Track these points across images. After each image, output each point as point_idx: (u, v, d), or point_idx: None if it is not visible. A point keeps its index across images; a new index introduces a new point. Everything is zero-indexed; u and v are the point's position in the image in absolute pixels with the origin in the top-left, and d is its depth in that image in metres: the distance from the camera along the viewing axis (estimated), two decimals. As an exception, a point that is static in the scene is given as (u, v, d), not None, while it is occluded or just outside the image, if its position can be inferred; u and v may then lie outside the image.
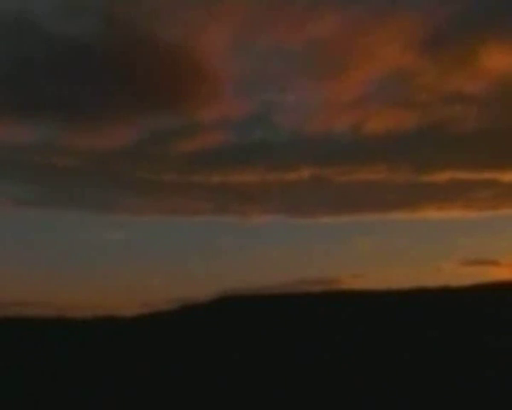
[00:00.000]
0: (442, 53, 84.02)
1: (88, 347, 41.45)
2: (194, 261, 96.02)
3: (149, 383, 31.05)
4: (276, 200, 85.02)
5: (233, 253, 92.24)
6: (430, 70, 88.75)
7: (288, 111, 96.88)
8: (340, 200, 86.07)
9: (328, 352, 36.38)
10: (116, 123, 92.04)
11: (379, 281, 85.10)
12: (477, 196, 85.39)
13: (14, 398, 28.55)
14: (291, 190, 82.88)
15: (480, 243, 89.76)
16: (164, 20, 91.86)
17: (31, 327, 48.56)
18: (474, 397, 25.01)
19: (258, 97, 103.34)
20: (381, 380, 29.09)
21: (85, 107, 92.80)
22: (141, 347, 40.86)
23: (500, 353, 32.89)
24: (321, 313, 47.53)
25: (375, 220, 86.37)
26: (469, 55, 78.05)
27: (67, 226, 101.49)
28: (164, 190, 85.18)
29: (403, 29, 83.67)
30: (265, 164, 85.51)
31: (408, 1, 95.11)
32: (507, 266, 78.99)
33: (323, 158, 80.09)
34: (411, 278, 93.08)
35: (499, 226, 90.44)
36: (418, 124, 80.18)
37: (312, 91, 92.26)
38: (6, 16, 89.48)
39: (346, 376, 30.49)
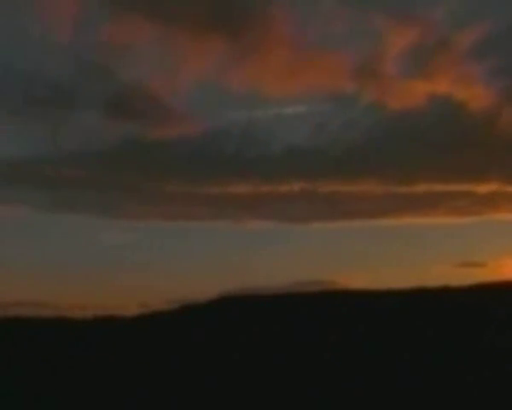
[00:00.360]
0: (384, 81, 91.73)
1: (88, 347, 41.45)
2: (193, 264, 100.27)
3: (149, 383, 31.06)
4: (269, 208, 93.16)
5: (230, 256, 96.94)
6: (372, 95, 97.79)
7: (276, 127, 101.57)
8: (330, 208, 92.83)
9: (328, 352, 36.40)
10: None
11: (373, 282, 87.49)
12: (455, 205, 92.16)
13: (15, 398, 28.57)
14: (283, 201, 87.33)
15: (466, 247, 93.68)
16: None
17: (31, 327, 48.57)
18: (473, 396, 25.04)
19: (249, 115, 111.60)
20: (380, 379, 29.11)
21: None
22: (141, 347, 40.87)
23: (500, 352, 32.92)
24: (321, 312, 47.51)
25: (363, 227, 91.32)
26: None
27: (73, 230, 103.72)
28: (166, 199, 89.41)
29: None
30: (260, 177, 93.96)
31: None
32: (494, 267, 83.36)
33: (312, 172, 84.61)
34: (404, 279, 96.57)
35: (481, 231, 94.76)
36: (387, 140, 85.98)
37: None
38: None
39: (345, 375, 30.50)
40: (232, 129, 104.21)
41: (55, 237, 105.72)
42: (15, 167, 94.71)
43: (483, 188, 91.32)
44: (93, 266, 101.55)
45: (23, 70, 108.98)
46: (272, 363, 34.35)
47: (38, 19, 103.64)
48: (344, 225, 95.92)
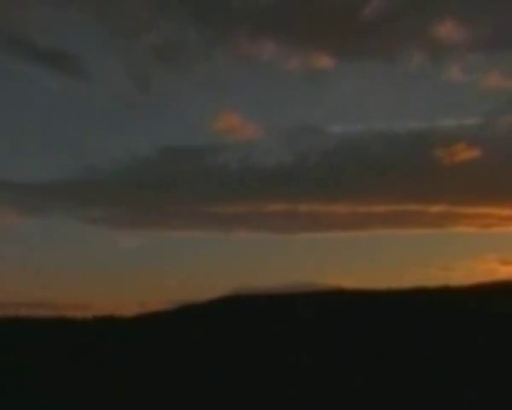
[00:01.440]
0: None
1: (88, 347, 41.48)
2: (192, 269, 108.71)
3: (149, 383, 31.09)
4: (258, 222, 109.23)
5: (225, 261, 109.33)
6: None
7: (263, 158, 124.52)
8: (309, 223, 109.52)
9: (328, 351, 36.43)
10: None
11: (354, 282, 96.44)
12: (413, 220, 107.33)
13: (15, 398, 28.60)
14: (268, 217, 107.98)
15: (431, 254, 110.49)
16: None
17: (31, 327, 48.57)
18: (472, 396, 25.06)
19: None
20: (380, 379, 29.13)
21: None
22: (140, 347, 40.90)
23: (499, 353, 32.94)
24: (320, 312, 47.52)
25: (340, 237, 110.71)
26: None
27: (82, 236, 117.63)
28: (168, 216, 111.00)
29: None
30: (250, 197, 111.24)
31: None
32: (463, 270, 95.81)
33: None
34: (382, 280, 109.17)
35: (441, 241, 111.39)
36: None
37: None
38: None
39: (345, 375, 30.53)
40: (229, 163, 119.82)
41: (60, 243, 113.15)
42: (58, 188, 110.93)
43: (434, 209, 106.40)
44: (95, 267, 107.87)
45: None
46: (272, 362, 34.39)
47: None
48: (321, 237, 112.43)
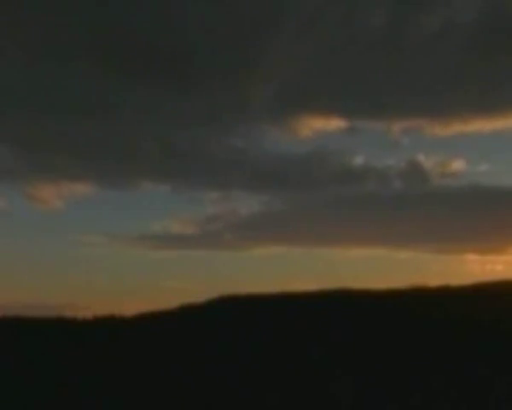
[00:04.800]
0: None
1: (88, 347, 41.50)
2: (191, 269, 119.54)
3: (149, 382, 31.13)
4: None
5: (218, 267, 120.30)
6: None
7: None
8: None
9: (327, 351, 36.46)
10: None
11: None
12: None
13: (15, 398, 28.64)
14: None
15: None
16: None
17: (31, 327, 48.56)
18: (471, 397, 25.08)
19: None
20: (380, 378, 29.17)
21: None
22: (141, 347, 40.93)
23: (499, 353, 32.99)
24: (319, 312, 47.50)
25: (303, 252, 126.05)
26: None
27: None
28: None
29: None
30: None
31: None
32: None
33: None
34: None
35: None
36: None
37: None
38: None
39: (345, 374, 30.58)
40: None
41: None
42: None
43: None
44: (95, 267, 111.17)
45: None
46: (272, 363, 34.42)
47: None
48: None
